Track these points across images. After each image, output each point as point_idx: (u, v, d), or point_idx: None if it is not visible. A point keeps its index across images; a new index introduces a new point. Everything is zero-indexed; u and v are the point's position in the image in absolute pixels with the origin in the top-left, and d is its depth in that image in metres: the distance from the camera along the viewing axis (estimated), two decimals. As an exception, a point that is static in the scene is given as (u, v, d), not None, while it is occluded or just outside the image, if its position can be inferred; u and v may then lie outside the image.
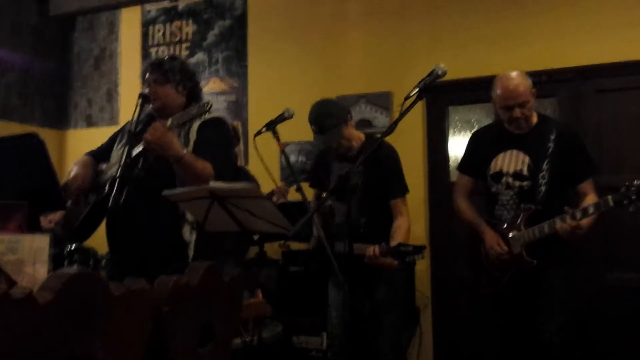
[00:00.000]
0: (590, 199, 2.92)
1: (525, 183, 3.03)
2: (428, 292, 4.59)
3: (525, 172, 3.04)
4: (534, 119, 3.10)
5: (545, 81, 4.42)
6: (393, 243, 2.93)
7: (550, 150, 2.99)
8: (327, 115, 3.11)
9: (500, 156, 3.12)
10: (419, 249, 2.82)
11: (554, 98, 4.46)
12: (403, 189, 3.19)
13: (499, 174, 3.11)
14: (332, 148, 3.24)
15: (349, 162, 3.20)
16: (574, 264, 3.12)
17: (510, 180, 3.07)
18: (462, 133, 4.77)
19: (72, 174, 2.76)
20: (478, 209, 3.29)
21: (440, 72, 2.45)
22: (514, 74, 3.07)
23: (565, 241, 2.89)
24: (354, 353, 3.12)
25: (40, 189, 2.09)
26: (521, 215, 3.00)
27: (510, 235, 3.02)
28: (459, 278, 4.52)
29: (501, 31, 4.48)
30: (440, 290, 4.61)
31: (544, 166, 2.98)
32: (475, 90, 4.63)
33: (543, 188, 2.97)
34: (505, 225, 3.07)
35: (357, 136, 3.26)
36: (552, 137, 3.01)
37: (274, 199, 3.86)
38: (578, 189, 3.03)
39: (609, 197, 2.74)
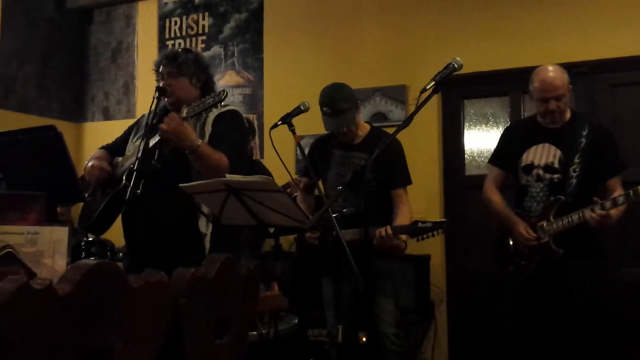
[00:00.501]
0: (618, 194, 2.93)
1: (555, 176, 3.07)
2: (443, 287, 4.59)
3: (556, 165, 3.08)
4: (567, 115, 3.14)
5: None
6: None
7: (582, 145, 3.03)
8: (341, 98, 3.13)
9: (532, 149, 3.16)
10: (438, 224, 2.82)
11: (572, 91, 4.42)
12: (405, 180, 3.22)
13: (530, 166, 3.15)
14: (337, 133, 3.23)
15: (351, 151, 3.20)
16: (600, 256, 3.13)
17: (541, 172, 3.12)
18: (478, 127, 4.75)
19: (89, 164, 2.78)
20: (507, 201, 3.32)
21: (456, 66, 2.45)
22: (552, 67, 3.13)
23: (592, 234, 2.95)
24: (358, 349, 3.14)
25: (58, 181, 2.11)
26: (551, 207, 3.05)
27: (539, 225, 3.07)
28: (474, 272, 4.51)
29: (517, 25, 4.45)
30: (455, 284, 4.60)
31: (576, 160, 3.02)
32: (491, 83, 4.61)
33: (574, 181, 3.01)
34: (535, 216, 3.12)
35: (362, 125, 3.27)
36: (584, 132, 3.05)
37: (289, 191, 3.86)
38: (606, 185, 3.07)
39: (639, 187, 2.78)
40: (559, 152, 3.09)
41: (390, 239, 2.92)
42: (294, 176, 3.74)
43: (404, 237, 3.04)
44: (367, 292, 3.08)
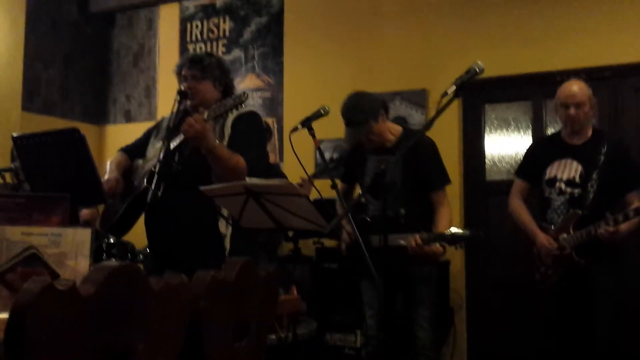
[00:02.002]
0: (633, 208, 3.05)
1: (576, 190, 3.22)
2: (462, 293, 4.56)
3: (577, 179, 3.23)
4: (589, 132, 3.31)
5: (585, 79, 4.34)
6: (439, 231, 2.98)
7: (601, 161, 3.18)
8: (357, 110, 3.11)
9: (556, 163, 3.31)
10: (474, 232, 2.88)
11: (594, 97, 4.38)
12: (444, 181, 3.22)
13: (554, 180, 3.30)
14: (360, 142, 3.23)
15: (385, 155, 3.20)
16: (622, 264, 3.26)
17: (563, 186, 3.27)
18: (499, 131, 4.72)
19: (105, 177, 2.78)
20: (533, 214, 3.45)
21: (477, 70, 2.43)
22: (575, 79, 3.35)
23: (612, 243, 3.06)
24: (390, 351, 3.13)
25: (80, 183, 2.13)
26: (570, 220, 3.20)
27: (560, 237, 3.21)
28: (494, 278, 4.47)
29: (539, 29, 4.41)
30: (475, 290, 4.56)
31: (594, 175, 3.18)
32: (513, 88, 4.58)
33: (591, 195, 3.16)
34: (555, 228, 3.26)
35: (393, 129, 3.25)
36: (604, 150, 3.20)
37: (302, 187, 3.84)
38: (626, 198, 3.19)
39: None
40: (580, 167, 3.23)
41: (422, 248, 2.92)
42: (315, 181, 3.74)
43: None
44: (405, 298, 3.14)
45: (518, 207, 3.46)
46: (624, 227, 2.99)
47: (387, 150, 3.22)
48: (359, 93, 3.23)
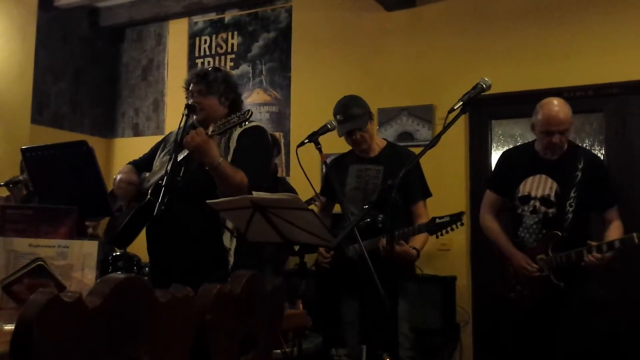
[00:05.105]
0: (615, 226, 3.04)
1: (550, 210, 3.09)
2: (469, 308, 4.53)
3: (552, 198, 3.10)
4: (565, 146, 3.14)
5: (592, 96, 4.34)
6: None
7: (578, 178, 3.06)
8: (354, 105, 3.22)
9: (530, 179, 3.17)
10: (456, 217, 2.84)
11: (601, 113, 4.38)
12: (424, 193, 3.24)
13: (527, 197, 3.16)
14: (352, 143, 3.26)
15: (368, 164, 3.23)
16: (600, 285, 3.14)
17: (537, 204, 3.13)
18: (505, 147, 4.70)
19: (118, 178, 2.82)
20: (505, 227, 3.33)
21: (484, 86, 2.44)
22: (557, 101, 3.11)
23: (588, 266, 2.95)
24: None
25: (88, 195, 2.14)
26: (548, 241, 3.07)
27: (538, 258, 3.09)
28: (501, 293, 4.44)
29: (546, 46, 4.42)
30: (482, 305, 4.54)
31: (572, 194, 3.05)
32: (520, 104, 4.57)
33: (570, 215, 3.04)
34: (532, 248, 3.14)
35: (379, 140, 3.33)
36: (580, 166, 3.08)
37: (315, 204, 3.85)
38: (604, 216, 3.12)
39: (634, 234, 2.82)
40: (555, 185, 3.10)
41: (395, 248, 2.92)
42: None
43: (418, 245, 3.06)
44: (391, 312, 3.08)
45: (491, 225, 3.34)
46: (607, 255, 2.89)
47: (369, 159, 3.25)
48: (352, 95, 3.33)
